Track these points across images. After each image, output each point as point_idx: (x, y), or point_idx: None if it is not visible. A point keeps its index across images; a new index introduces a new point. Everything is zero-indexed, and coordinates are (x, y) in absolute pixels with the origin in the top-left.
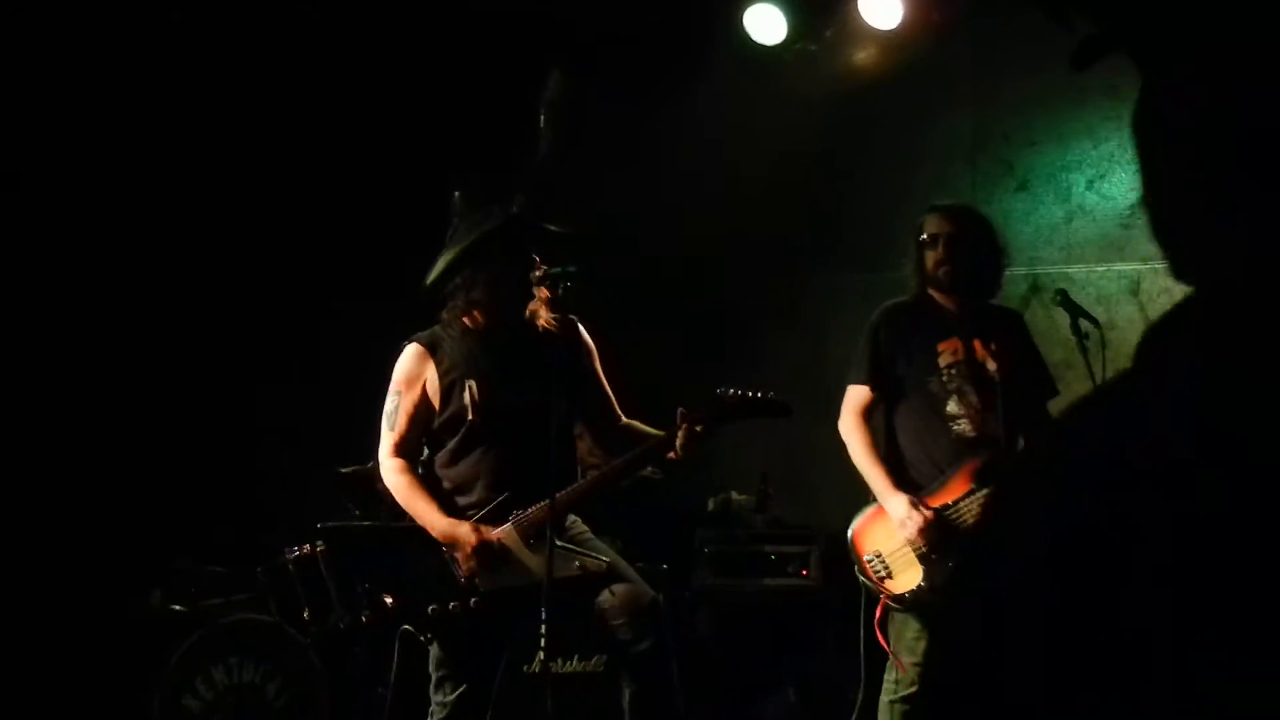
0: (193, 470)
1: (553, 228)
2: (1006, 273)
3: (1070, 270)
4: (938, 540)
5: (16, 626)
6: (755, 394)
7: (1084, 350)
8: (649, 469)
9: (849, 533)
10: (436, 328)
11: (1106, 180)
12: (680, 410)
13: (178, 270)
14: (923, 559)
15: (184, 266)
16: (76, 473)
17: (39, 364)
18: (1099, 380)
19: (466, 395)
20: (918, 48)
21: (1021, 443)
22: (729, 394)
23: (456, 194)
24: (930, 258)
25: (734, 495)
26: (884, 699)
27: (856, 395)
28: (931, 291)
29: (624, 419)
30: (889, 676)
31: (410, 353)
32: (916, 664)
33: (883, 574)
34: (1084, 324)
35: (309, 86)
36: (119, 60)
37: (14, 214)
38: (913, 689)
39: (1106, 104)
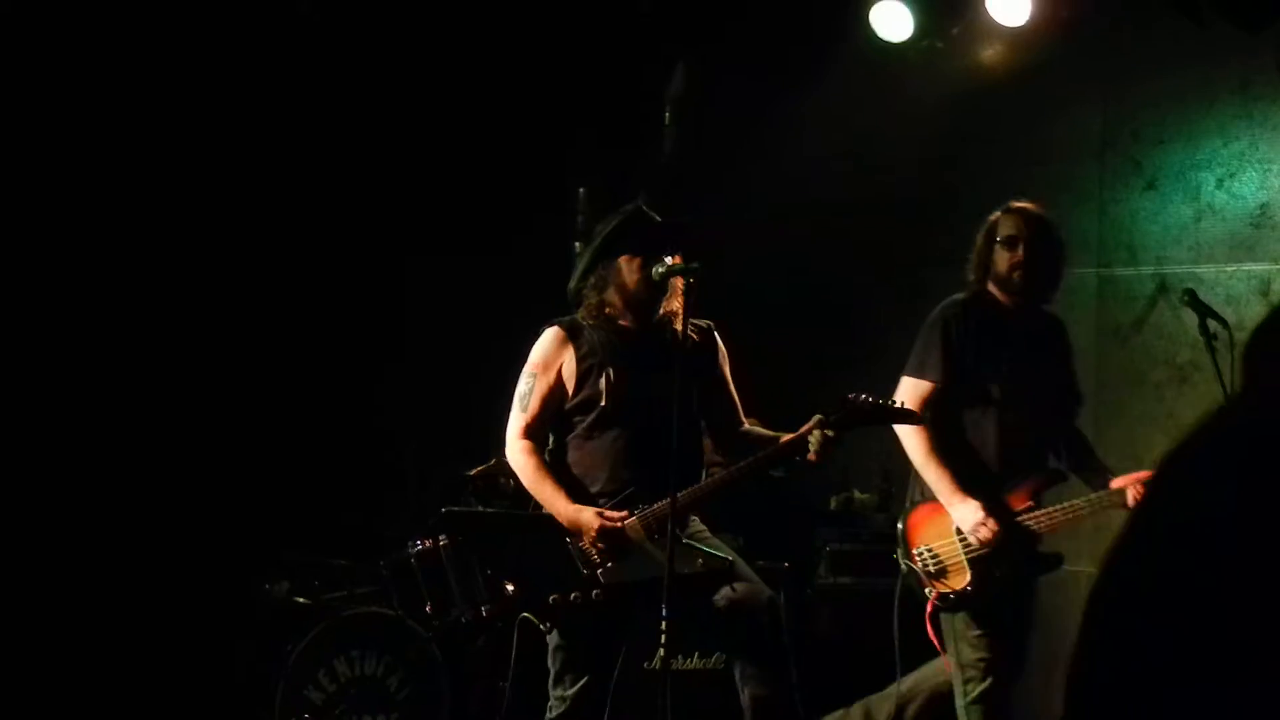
0: (318, 463)
1: (676, 223)
2: (1133, 271)
3: (1199, 270)
4: (1000, 546)
5: (144, 615)
6: (888, 401)
7: (1212, 351)
8: (775, 470)
9: (901, 524)
10: (576, 316)
11: (1236, 179)
12: (817, 416)
13: (305, 259)
14: (975, 562)
15: (314, 256)
16: (204, 466)
17: (169, 353)
18: (1227, 382)
19: (603, 381)
20: (1046, 45)
21: (1054, 458)
22: (862, 399)
23: (582, 190)
24: (1005, 258)
25: (855, 494)
26: (960, 703)
27: (920, 390)
28: (993, 289)
29: (745, 423)
30: (957, 680)
31: (550, 336)
32: (982, 660)
33: (932, 571)
34: (1213, 324)
35: (435, 78)
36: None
37: (133, 200)
38: (985, 685)
39: (1237, 102)
